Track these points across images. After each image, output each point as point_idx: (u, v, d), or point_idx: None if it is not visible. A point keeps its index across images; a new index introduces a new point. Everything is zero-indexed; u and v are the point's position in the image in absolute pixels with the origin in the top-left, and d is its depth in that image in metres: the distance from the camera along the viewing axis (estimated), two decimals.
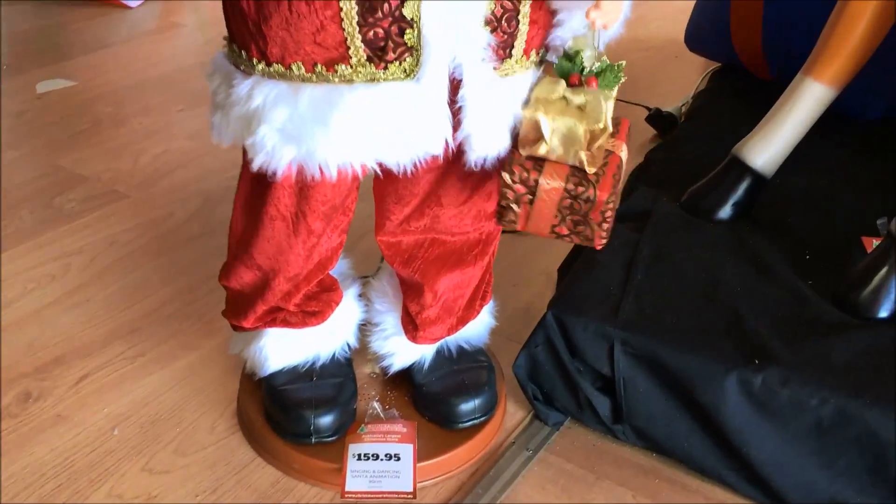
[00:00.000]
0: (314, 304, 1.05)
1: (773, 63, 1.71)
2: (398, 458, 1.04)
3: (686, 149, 1.53)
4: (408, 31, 0.81)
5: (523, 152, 0.86)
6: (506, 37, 0.86)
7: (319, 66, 0.83)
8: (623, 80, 0.90)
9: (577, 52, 0.88)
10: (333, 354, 1.09)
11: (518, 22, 0.87)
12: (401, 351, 1.10)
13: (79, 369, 1.21)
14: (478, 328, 1.14)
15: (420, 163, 0.88)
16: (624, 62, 0.89)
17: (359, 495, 1.01)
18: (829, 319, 1.09)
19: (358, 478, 1.02)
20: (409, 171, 0.88)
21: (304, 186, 0.91)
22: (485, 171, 0.93)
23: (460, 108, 0.85)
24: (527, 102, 0.88)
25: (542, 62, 0.93)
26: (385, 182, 0.95)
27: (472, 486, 1.05)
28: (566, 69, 0.89)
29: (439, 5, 0.80)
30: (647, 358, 1.06)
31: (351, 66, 0.83)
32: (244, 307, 1.04)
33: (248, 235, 0.98)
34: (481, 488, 1.05)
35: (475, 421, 1.08)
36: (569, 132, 0.84)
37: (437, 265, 1.03)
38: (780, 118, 1.26)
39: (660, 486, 1.07)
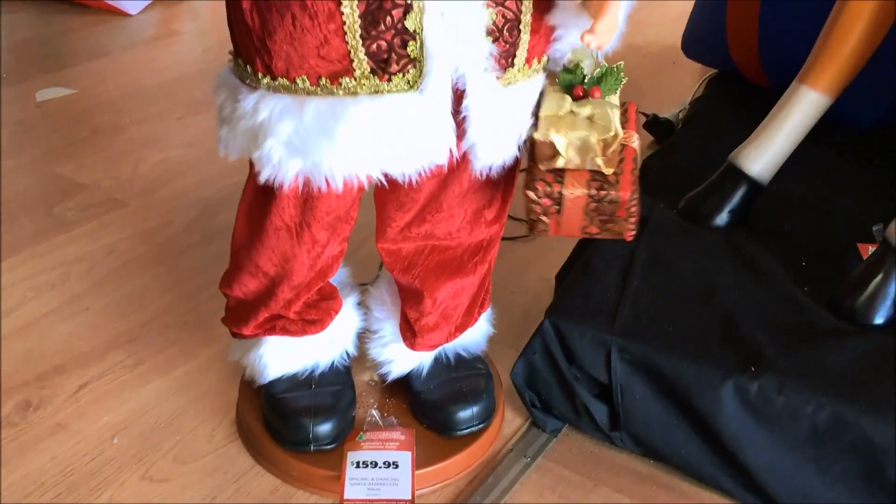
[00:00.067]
0: (314, 313, 1.06)
1: (769, 70, 1.71)
2: (396, 466, 1.05)
3: (682, 155, 1.53)
4: (410, 43, 0.82)
5: (542, 167, 0.89)
6: (508, 46, 0.87)
7: (324, 79, 0.84)
8: (625, 80, 0.91)
9: (577, 65, 0.90)
10: (332, 362, 1.10)
11: (519, 31, 0.88)
12: (399, 358, 1.11)
13: (78, 378, 1.21)
14: (476, 336, 1.14)
15: (424, 172, 0.89)
16: (622, 62, 0.91)
17: (357, 503, 1.02)
18: (825, 326, 1.10)
19: (356, 485, 1.03)
20: (413, 181, 0.89)
21: (308, 197, 0.92)
22: (486, 178, 0.94)
23: (464, 117, 0.87)
24: (535, 122, 0.89)
25: (545, 70, 0.94)
26: (387, 189, 0.96)
27: (471, 493, 1.06)
28: (568, 81, 0.91)
29: (441, 17, 0.81)
30: (644, 365, 1.06)
31: (355, 79, 0.84)
32: (245, 315, 1.05)
33: (252, 245, 0.99)
34: (479, 495, 1.05)
35: (473, 428, 1.09)
36: (583, 143, 0.87)
37: (437, 272, 1.04)
38: (776, 126, 1.27)
39: (657, 493, 1.07)
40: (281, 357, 1.08)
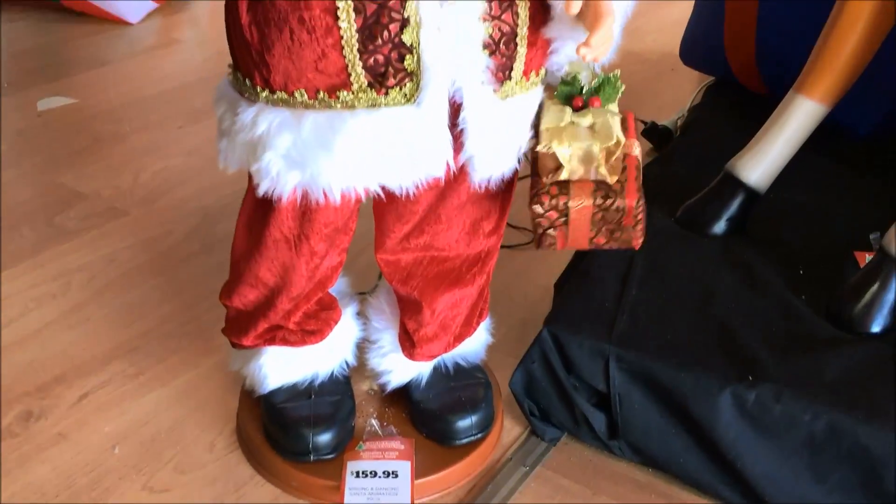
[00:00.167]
0: (313, 323, 1.06)
1: (767, 77, 1.72)
2: (396, 475, 1.05)
3: (680, 163, 1.54)
4: (407, 56, 0.83)
5: (546, 180, 0.89)
6: (504, 59, 0.88)
7: (322, 92, 0.85)
8: (622, 88, 0.92)
9: (574, 77, 0.90)
10: (332, 372, 1.10)
11: (516, 44, 0.88)
12: (398, 368, 1.11)
13: (79, 388, 1.22)
14: (474, 345, 1.15)
15: (421, 185, 0.89)
16: (619, 71, 0.91)
17: None
18: (822, 334, 1.10)
19: (356, 495, 1.03)
20: (411, 194, 0.90)
21: (307, 210, 0.93)
22: (485, 190, 0.95)
23: (461, 130, 0.87)
24: (536, 136, 0.90)
25: (543, 83, 0.94)
26: (386, 201, 0.96)
27: (470, 502, 1.06)
28: (567, 93, 0.91)
29: (438, 31, 0.82)
30: (642, 374, 1.07)
31: (352, 92, 0.85)
32: (245, 325, 1.05)
33: (251, 256, 0.99)
34: None
35: (472, 438, 1.09)
36: (585, 154, 0.88)
37: (436, 283, 1.05)
38: (773, 135, 1.27)
39: (656, 501, 1.08)
40: (280, 367, 1.08)
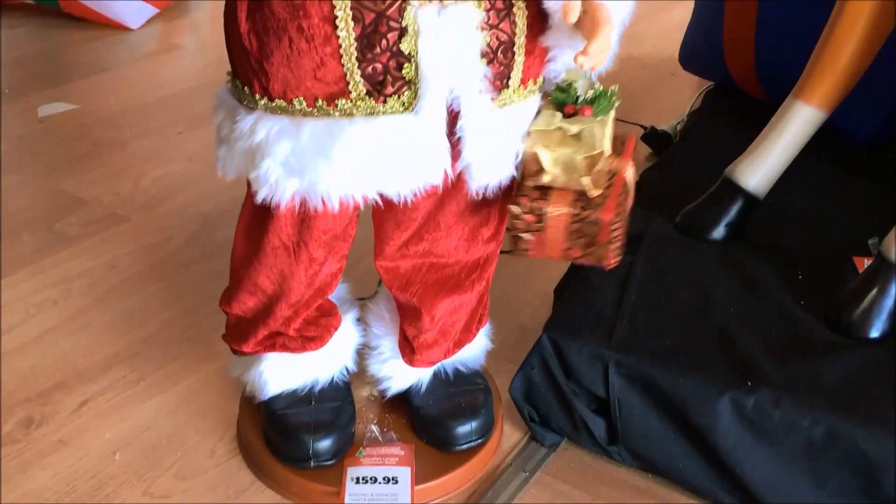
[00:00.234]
0: (313, 330, 1.06)
1: (766, 83, 1.72)
2: (396, 481, 1.05)
3: (680, 169, 1.54)
4: (406, 65, 0.83)
5: (528, 183, 0.89)
6: (502, 68, 0.88)
7: (320, 100, 0.85)
8: (617, 104, 0.92)
9: (570, 84, 0.90)
10: (332, 378, 1.10)
11: (514, 53, 0.88)
12: (398, 374, 1.11)
13: (80, 394, 1.22)
14: (474, 351, 1.15)
15: (419, 192, 0.90)
16: (616, 86, 0.92)
17: None
18: (821, 340, 1.10)
19: (356, 501, 1.03)
20: (409, 201, 0.90)
21: (305, 217, 0.93)
22: (483, 197, 0.95)
23: (459, 138, 0.88)
24: (526, 136, 0.90)
25: (541, 91, 0.95)
26: (384, 208, 0.97)
27: None
28: (561, 100, 0.92)
29: (436, 40, 0.82)
30: (641, 380, 1.07)
31: (351, 101, 0.85)
32: (245, 332, 1.06)
33: (250, 263, 1.00)
34: None
35: (472, 443, 1.10)
36: (568, 161, 0.87)
37: (435, 290, 1.05)
38: (772, 140, 1.28)
39: None
40: (281, 373, 1.08)
